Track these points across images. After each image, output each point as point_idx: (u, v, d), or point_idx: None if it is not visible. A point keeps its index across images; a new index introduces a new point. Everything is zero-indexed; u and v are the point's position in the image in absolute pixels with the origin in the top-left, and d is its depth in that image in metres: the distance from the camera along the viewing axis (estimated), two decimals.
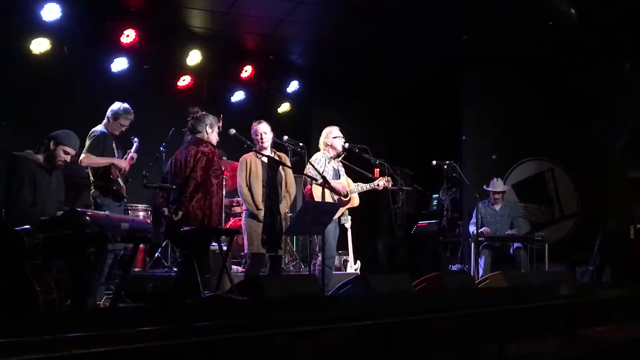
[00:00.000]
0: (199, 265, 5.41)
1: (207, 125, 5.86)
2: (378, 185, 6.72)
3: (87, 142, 6.11)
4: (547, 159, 10.25)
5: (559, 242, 9.65)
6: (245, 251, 6.29)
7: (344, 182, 6.66)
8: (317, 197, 6.31)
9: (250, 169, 6.17)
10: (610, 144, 9.53)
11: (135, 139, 6.71)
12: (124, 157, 6.46)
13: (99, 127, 6.29)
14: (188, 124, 5.94)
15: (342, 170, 6.76)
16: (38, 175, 5.06)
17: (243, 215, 6.30)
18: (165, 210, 5.62)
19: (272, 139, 6.31)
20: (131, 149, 6.62)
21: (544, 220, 10.15)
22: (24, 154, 5.11)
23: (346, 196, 6.56)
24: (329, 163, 6.60)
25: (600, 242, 8.72)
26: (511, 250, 8.46)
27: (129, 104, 6.51)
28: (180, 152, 5.80)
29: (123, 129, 6.41)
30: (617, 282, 8.14)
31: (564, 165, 10.19)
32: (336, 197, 6.48)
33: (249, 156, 6.24)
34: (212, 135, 5.90)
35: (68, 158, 5.30)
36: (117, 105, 6.38)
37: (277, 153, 6.38)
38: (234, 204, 8.33)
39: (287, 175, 6.36)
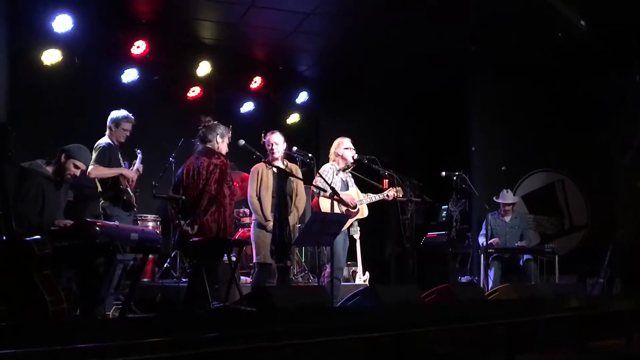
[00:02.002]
0: (209, 276, 5.42)
1: (218, 134, 5.86)
2: (388, 195, 6.70)
3: (94, 154, 6.13)
4: (557, 170, 10.21)
5: (569, 253, 9.59)
6: (254, 260, 6.29)
7: (353, 193, 6.65)
8: (324, 208, 6.30)
9: (261, 179, 6.20)
10: (621, 154, 9.48)
11: (139, 151, 6.73)
12: (130, 168, 6.49)
13: (104, 139, 6.31)
14: (199, 132, 5.95)
15: (351, 182, 6.75)
16: (46, 188, 5.08)
17: (252, 225, 6.33)
18: (182, 223, 5.62)
19: (284, 150, 6.34)
20: (136, 160, 6.64)
21: (553, 231, 10.10)
22: (33, 166, 5.13)
23: (354, 208, 6.54)
24: (337, 174, 6.58)
25: (611, 254, 8.67)
26: (521, 262, 8.42)
27: (138, 114, 6.56)
28: (191, 162, 5.79)
29: (127, 133, 6.42)
30: (627, 294, 8.07)
31: (574, 176, 10.14)
32: (344, 209, 6.46)
33: (261, 166, 6.27)
34: (222, 145, 5.90)
35: (78, 172, 5.33)
36: (115, 113, 6.41)
37: (289, 164, 6.39)
38: (242, 214, 8.34)
39: (298, 187, 6.38)
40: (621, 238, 8.81)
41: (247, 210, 8.18)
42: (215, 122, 5.94)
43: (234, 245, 6.40)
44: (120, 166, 6.32)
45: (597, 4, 7.50)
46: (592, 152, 9.65)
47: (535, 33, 8.35)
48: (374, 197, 6.71)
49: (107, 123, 6.39)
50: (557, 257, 8.17)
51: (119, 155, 6.36)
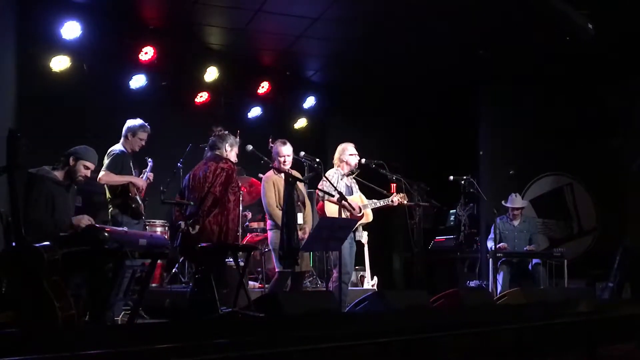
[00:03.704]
0: (215, 281, 5.43)
1: (227, 143, 5.96)
2: (392, 201, 6.70)
3: (106, 160, 6.17)
4: (565, 174, 10.18)
5: (578, 258, 9.55)
6: (276, 269, 6.28)
7: (357, 199, 6.65)
8: (329, 213, 6.31)
9: (278, 190, 6.20)
10: (629, 159, 9.44)
11: (150, 160, 6.77)
12: (140, 176, 6.51)
13: (118, 146, 6.35)
14: (209, 141, 6.02)
15: (355, 187, 6.76)
16: (55, 193, 5.10)
17: (270, 234, 6.29)
18: (182, 223, 5.65)
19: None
20: (146, 168, 6.67)
21: (562, 235, 10.06)
22: (41, 172, 5.14)
23: (359, 212, 6.54)
24: (341, 179, 6.59)
25: (620, 258, 8.62)
26: (530, 266, 8.40)
27: (147, 120, 6.58)
28: (199, 168, 5.86)
29: (143, 143, 6.48)
30: (637, 299, 8.03)
31: (582, 180, 10.10)
32: (348, 214, 6.45)
33: (273, 175, 6.28)
34: (231, 153, 5.99)
35: (88, 173, 5.35)
36: (132, 122, 6.45)
37: (292, 170, 6.40)
38: (249, 219, 8.35)
39: (305, 194, 6.42)
40: (630, 242, 8.76)
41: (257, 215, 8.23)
42: (226, 132, 6.03)
43: (242, 250, 6.41)
44: (131, 174, 6.35)
45: (607, 11, 7.48)
46: (601, 155, 9.61)
47: (544, 40, 8.33)
48: (378, 203, 6.71)
49: (123, 131, 6.43)
50: (566, 261, 8.15)
51: (131, 163, 6.39)
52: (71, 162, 5.23)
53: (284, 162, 6.25)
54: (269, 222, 6.34)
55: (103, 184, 6.22)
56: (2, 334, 2.89)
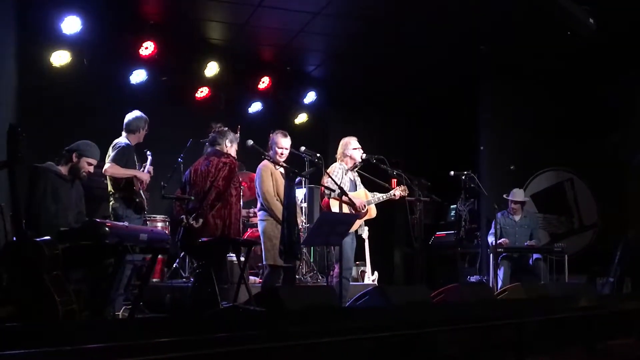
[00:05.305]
0: (216, 276, 5.43)
1: (227, 139, 5.96)
2: (394, 195, 6.68)
3: (112, 153, 6.15)
4: (566, 169, 10.17)
5: (578, 253, 9.55)
6: (265, 262, 6.25)
7: (361, 193, 6.63)
8: (335, 209, 6.28)
9: (276, 180, 6.17)
10: (630, 153, 9.43)
11: (149, 153, 6.76)
12: (141, 170, 6.50)
13: (122, 140, 6.32)
14: (209, 137, 6.02)
15: (358, 181, 6.74)
16: (59, 187, 5.11)
17: (262, 225, 6.23)
18: (184, 217, 5.63)
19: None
20: (146, 162, 6.66)
21: (563, 231, 10.06)
22: (45, 166, 5.16)
23: (363, 209, 6.53)
24: (346, 174, 6.57)
25: (621, 253, 8.62)
26: (530, 261, 8.40)
27: (147, 115, 6.57)
28: (200, 162, 5.85)
29: (142, 137, 6.48)
30: (638, 294, 8.03)
31: (583, 174, 10.10)
32: (353, 210, 6.44)
33: (270, 165, 6.22)
34: (231, 149, 5.98)
35: (92, 169, 5.36)
36: (134, 114, 6.43)
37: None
38: (252, 214, 8.34)
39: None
40: (631, 237, 8.76)
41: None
42: (226, 128, 6.03)
43: (243, 245, 6.40)
44: (136, 168, 6.34)
45: (608, 6, 7.46)
46: (601, 150, 9.61)
47: (545, 35, 8.31)
48: (381, 197, 6.69)
49: (129, 125, 6.39)
50: (566, 256, 8.15)
51: (135, 156, 6.39)
52: (74, 159, 5.23)
53: (281, 154, 6.21)
54: (260, 212, 6.24)
55: (108, 175, 6.20)
56: (3, 328, 2.89)
